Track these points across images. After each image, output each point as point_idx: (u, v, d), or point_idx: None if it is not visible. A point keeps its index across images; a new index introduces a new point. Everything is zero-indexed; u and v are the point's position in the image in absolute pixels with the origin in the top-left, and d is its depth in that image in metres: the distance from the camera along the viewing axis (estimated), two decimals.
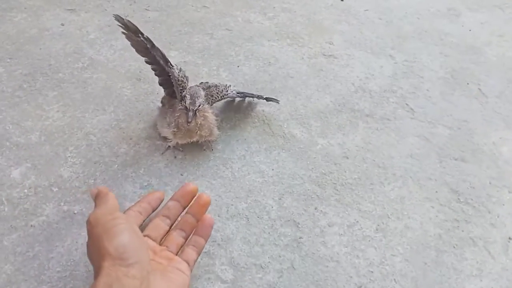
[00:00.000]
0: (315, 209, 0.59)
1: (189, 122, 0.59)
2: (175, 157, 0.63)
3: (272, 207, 0.59)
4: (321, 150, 0.66)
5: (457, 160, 0.67)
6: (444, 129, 0.71)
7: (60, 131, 0.65)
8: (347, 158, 0.66)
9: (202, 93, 0.61)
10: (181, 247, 0.49)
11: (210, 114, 0.62)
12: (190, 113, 0.58)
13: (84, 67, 0.76)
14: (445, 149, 0.68)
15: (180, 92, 0.60)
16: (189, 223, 0.51)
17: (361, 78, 0.79)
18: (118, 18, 0.54)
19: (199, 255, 0.49)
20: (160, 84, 0.64)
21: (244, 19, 0.91)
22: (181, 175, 0.61)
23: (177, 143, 0.63)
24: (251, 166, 0.63)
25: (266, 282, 0.51)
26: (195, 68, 0.78)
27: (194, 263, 0.48)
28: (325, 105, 0.74)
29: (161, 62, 0.58)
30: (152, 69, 0.62)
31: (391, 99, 0.76)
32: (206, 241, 0.50)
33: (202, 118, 0.60)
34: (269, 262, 0.53)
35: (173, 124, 0.60)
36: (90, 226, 0.43)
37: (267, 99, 0.69)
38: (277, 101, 0.70)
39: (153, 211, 0.52)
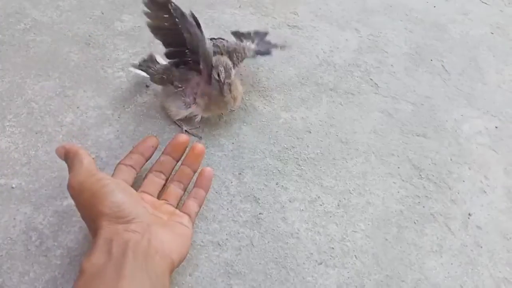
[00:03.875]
0: (276, 184, 0.56)
1: (225, 96, 0.56)
2: (127, 128, 0.59)
3: (231, 182, 0.56)
4: (283, 124, 0.63)
5: (419, 136, 0.66)
6: (407, 105, 0.70)
7: None
8: (310, 132, 0.63)
9: (230, 62, 0.57)
10: (180, 198, 0.50)
11: (239, 84, 0.59)
12: (225, 87, 0.55)
13: (27, 28, 0.69)
14: (408, 125, 0.67)
15: (210, 65, 0.56)
16: (186, 174, 0.51)
17: (325, 51, 0.77)
18: None
19: (200, 207, 0.50)
20: (170, 57, 0.59)
21: None
22: (133, 147, 0.57)
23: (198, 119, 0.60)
24: (210, 139, 0.60)
25: (223, 260, 0.49)
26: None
27: (196, 215, 0.49)
28: (288, 77, 0.70)
29: (194, 31, 0.53)
30: (169, 51, 0.59)
31: (355, 73, 0.74)
32: (206, 192, 0.50)
33: (235, 89, 0.58)
34: (227, 239, 0.51)
35: (205, 97, 0.57)
36: (74, 191, 0.41)
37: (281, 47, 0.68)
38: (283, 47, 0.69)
39: (147, 161, 0.50)
